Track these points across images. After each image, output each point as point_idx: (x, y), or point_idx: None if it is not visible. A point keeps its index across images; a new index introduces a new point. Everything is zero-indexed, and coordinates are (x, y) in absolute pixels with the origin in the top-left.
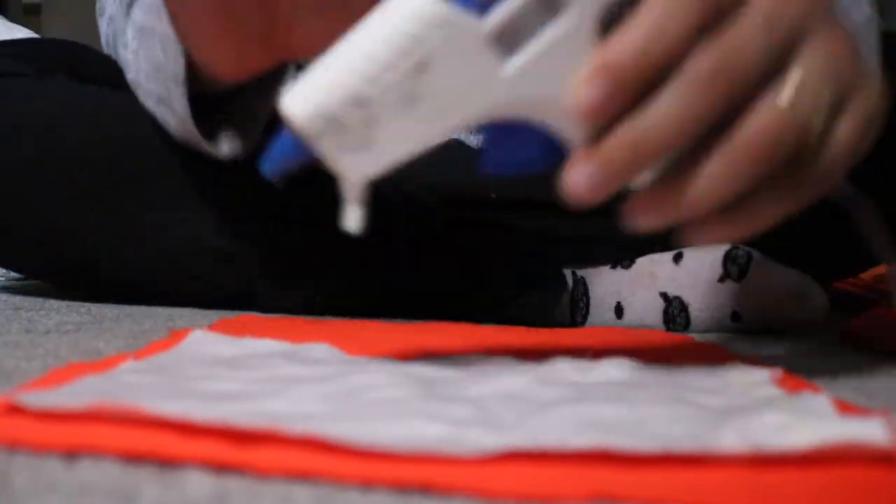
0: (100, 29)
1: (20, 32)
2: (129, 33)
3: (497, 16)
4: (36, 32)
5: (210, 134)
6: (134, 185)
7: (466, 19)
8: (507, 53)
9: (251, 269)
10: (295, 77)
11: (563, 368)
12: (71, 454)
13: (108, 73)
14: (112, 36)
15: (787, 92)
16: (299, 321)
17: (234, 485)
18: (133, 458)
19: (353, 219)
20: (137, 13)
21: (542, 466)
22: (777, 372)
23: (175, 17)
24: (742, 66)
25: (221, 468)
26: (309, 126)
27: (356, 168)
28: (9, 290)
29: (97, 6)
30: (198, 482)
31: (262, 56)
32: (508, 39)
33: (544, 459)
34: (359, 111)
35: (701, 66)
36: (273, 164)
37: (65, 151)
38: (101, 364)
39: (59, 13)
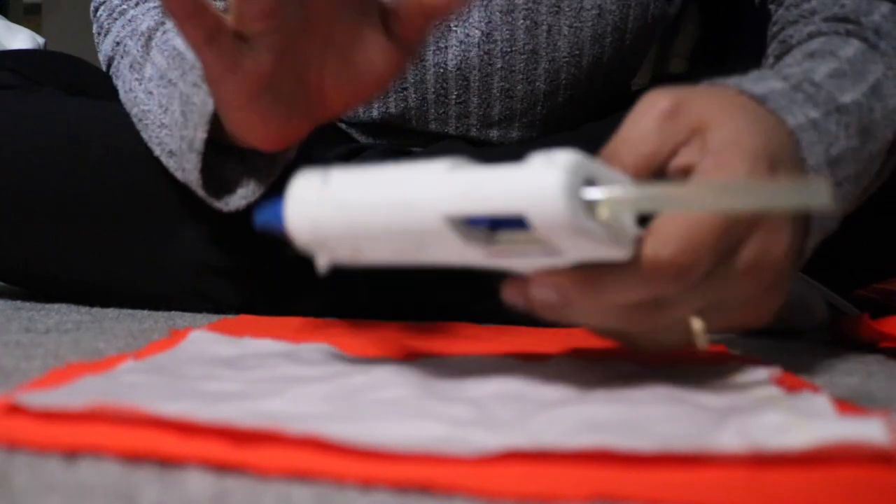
0: (99, 47)
1: (20, 32)
2: (149, 71)
3: (501, 250)
4: (36, 32)
5: (218, 183)
6: (131, 203)
7: (472, 241)
8: (497, 256)
9: (253, 283)
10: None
11: (563, 368)
12: (71, 454)
13: (102, 86)
14: (119, 63)
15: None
16: (299, 321)
17: (234, 485)
18: (133, 458)
19: (321, 266)
20: (158, 56)
21: (542, 466)
22: (777, 371)
23: (217, 100)
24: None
25: (221, 468)
26: (304, 241)
27: (331, 260)
28: (9, 289)
29: (95, 25)
30: (198, 482)
31: (302, 126)
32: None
33: (544, 459)
34: (351, 249)
35: (633, 311)
36: (261, 221)
37: (56, 167)
38: (101, 364)
39: (59, 13)
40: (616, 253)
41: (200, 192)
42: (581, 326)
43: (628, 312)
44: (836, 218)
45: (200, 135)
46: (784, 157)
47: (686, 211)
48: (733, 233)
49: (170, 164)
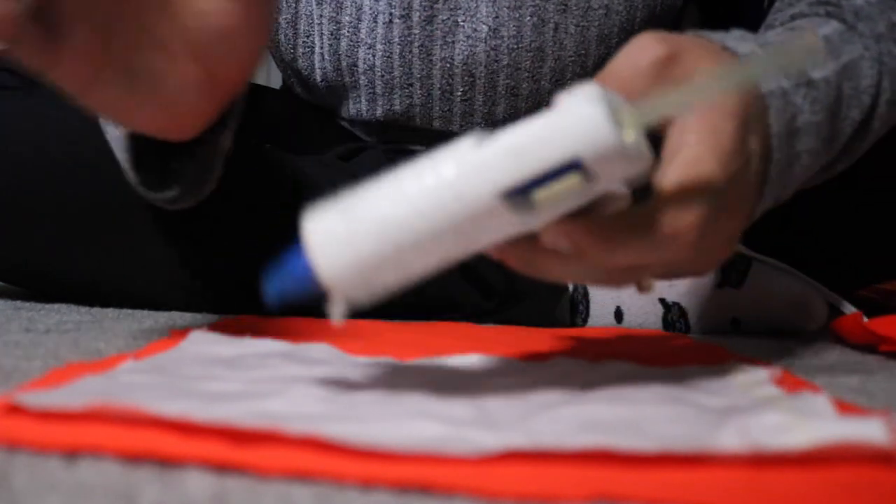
0: None
1: None
2: None
3: (543, 209)
4: None
5: (163, 179)
6: (130, 205)
7: (521, 210)
8: (541, 216)
9: (252, 284)
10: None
11: (563, 368)
12: (71, 454)
13: None
14: None
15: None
16: (299, 321)
17: (234, 485)
18: (133, 458)
19: (337, 314)
20: None
21: (542, 466)
22: (777, 372)
23: (67, 95)
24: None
25: (221, 468)
26: (345, 283)
27: (362, 299)
28: (9, 289)
29: None
30: (198, 482)
31: (195, 103)
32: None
33: (544, 459)
34: (398, 271)
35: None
36: (280, 290)
37: (56, 170)
38: (101, 364)
39: None
40: (641, 167)
41: (139, 188)
42: (560, 279)
43: (623, 272)
44: (789, 188)
45: (122, 154)
46: (755, 118)
47: (700, 102)
48: (722, 202)
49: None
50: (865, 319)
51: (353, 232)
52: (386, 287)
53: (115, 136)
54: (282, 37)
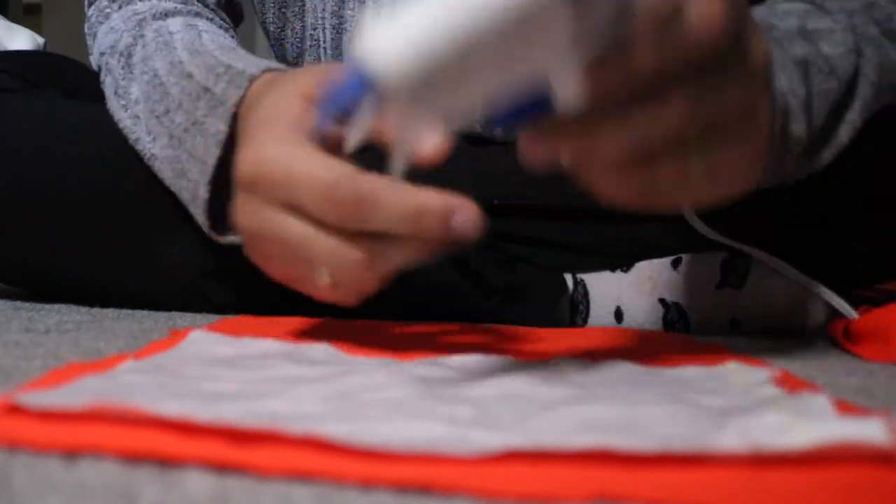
0: (90, 49)
1: (20, 32)
2: (134, 93)
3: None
4: (36, 32)
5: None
6: (130, 205)
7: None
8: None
9: (253, 283)
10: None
11: (563, 368)
12: (71, 454)
13: (100, 88)
14: (105, 78)
15: None
16: (299, 321)
17: (234, 485)
18: (133, 458)
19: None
20: (140, 78)
21: (542, 466)
22: (777, 372)
23: None
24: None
25: (221, 468)
26: (407, 77)
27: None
28: (9, 289)
29: (86, 25)
30: (198, 482)
31: None
32: None
33: (544, 459)
34: (458, 73)
35: None
36: (336, 102)
37: (56, 171)
38: (101, 364)
39: (59, 13)
40: None
41: (205, 225)
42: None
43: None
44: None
45: (203, 194)
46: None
47: None
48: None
49: (176, 186)
50: (856, 316)
51: (414, 25)
52: (443, 102)
53: (201, 197)
54: (289, 31)
